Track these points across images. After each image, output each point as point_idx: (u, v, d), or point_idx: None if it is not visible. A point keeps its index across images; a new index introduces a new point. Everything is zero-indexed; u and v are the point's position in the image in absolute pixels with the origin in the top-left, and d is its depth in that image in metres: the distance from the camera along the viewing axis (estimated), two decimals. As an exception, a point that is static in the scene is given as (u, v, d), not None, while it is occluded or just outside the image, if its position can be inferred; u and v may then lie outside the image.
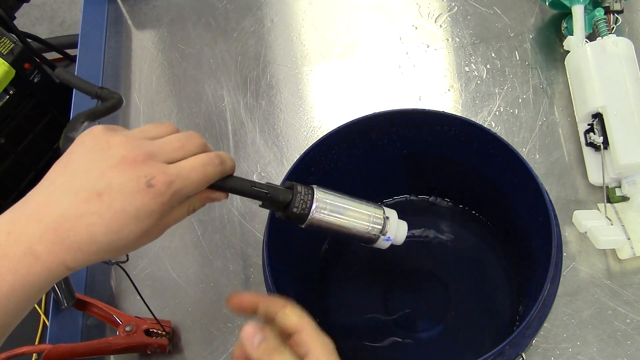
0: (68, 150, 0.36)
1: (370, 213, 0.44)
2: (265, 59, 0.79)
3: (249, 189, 0.39)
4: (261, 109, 0.76)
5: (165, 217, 0.36)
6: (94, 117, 0.42)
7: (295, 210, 0.41)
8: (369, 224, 0.44)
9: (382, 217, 0.44)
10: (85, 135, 0.36)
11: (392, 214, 0.45)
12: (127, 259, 0.54)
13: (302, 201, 0.41)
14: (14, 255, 0.32)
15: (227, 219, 0.68)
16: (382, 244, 0.45)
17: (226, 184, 0.38)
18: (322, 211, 0.41)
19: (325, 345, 0.37)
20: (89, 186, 0.33)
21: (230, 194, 0.40)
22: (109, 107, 0.43)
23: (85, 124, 0.41)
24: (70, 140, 0.37)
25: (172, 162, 0.36)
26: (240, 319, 0.62)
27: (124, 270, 0.56)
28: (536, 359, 0.54)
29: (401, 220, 0.46)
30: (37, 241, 0.32)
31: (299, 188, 0.41)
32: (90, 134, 0.36)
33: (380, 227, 0.44)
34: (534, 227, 0.48)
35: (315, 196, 0.41)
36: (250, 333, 0.36)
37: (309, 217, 0.41)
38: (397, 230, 0.45)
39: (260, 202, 0.41)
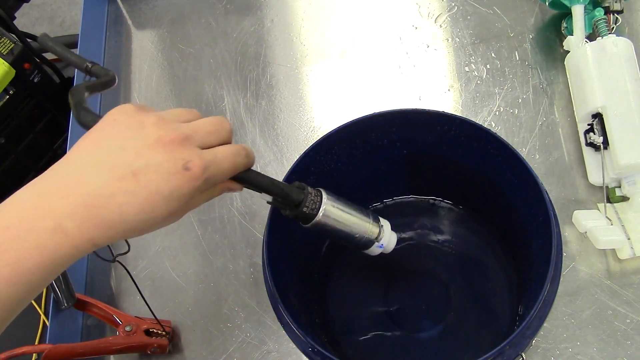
0: (99, 127, 0.35)
1: (369, 219, 0.46)
2: (265, 59, 0.79)
3: (267, 185, 0.40)
4: (261, 109, 0.76)
5: (190, 201, 0.35)
6: (92, 89, 0.41)
7: (305, 210, 0.42)
8: (367, 230, 0.46)
9: (378, 224, 0.47)
10: (116, 112, 0.35)
11: (386, 223, 0.48)
12: (129, 249, 0.54)
13: (312, 202, 0.42)
14: (42, 231, 0.31)
15: (227, 219, 0.68)
16: (374, 250, 0.47)
17: (247, 176, 0.39)
18: (329, 213, 0.43)
19: None
20: (124, 164, 0.33)
21: (245, 188, 0.40)
22: (104, 83, 0.43)
23: (87, 94, 0.40)
24: (84, 109, 0.37)
25: (205, 147, 0.36)
26: (240, 319, 0.62)
27: (125, 268, 0.56)
28: (536, 359, 0.54)
29: (392, 232, 0.48)
30: (67, 218, 0.31)
31: (310, 189, 0.43)
32: (122, 111, 0.35)
33: (377, 234, 0.46)
34: (534, 227, 0.48)
35: (323, 198, 0.43)
36: None
37: (317, 217, 0.42)
38: (389, 238, 0.47)
39: (271, 198, 0.42)
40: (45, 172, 0.34)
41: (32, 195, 0.32)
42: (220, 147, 0.37)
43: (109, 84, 0.43)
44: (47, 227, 0.31)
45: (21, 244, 0.31)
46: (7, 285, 0.30)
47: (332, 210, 0.43)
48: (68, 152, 0.35)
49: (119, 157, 0.33)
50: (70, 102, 0.39)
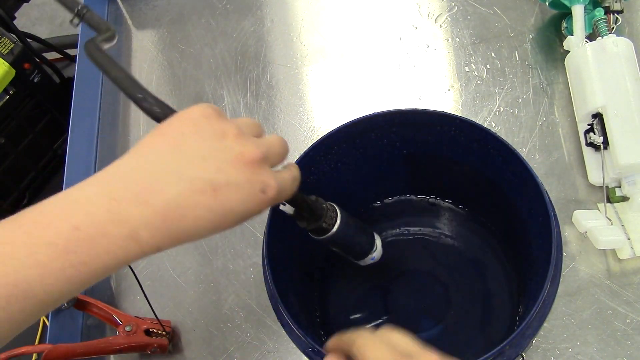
0: (177, 128, 0.34)
1: (370, 234, 0.49)
2: (265, 59, 0.79)
3: (299, 201, 0.42)
4: (261, 109, 0.76)
5: None
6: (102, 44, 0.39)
7: (323, 224, 0.44)
8: (367, 243, 0.49)
9: (374, 239, 0.50)
10: (198, 115, 0.34)
11: (377, 237, 0.50)
12: None
13: (330, 217, 0.44)
14: (116, 237, 0.30)
15: (227, 219, 0.68)
16: (367, 260, 0.50)
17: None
18: (342, 228, 0.45)
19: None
20: (205, 177, 0.32)
21: None
22: (108, 38, 0.42)
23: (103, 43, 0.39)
24: (152, 96, 0.36)
25: (273, 167, 0.36)
26: (240, 319, 0.62)
27: (130, 268, 0.56)
28: (536, 359, 0.54)
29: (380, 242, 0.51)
30: (142, 226, 0.31)
31: (327, 205, 0.45)
32: (204, 115, 0.34)
33: (374, 247, 0.49)
34: (534, 227, 0.48)
35: (338, 214, 0.45)
36: None
37: (331, 232, 0.44)
38: (380, 250, 0.50)
39: (293, 211, 0.43)
40: (111, 169, 0.32)
41: (103, 196, 0.31)
42: (286, 171, 0.38)
43: (110, 39, 0.41)
44: (121, 234, 0.30)
45: (92, 247, 0.30)
46: (67, 284, 0.30)
47: (344, 226, 0.45)
48: (137, 150, 0.33)
49: (200, 169, 0.32)
50: (122, 81, 0.36)
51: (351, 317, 0.57)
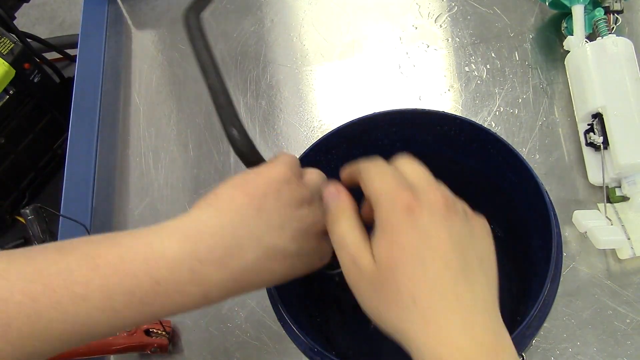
0: (261, 188, 0.34)
1: None
2: (265, 59, 0.79)
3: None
4: (261, 109, 0.76)
5: None
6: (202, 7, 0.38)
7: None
8: None
9: None
10: (281, 179, 0.34)
11: None
12: None
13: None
14: (192, 295, 0.32)
15: (227, 219, 0.68)
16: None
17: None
18: None
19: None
20: (279, 247, 0.33)
21: None
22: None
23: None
24: (254, 148, 0.36)
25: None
26: (240, 319, 0.62)
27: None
28: (536, 359, 0.54)
29: None
30: (216, 287, 0.32)
31: None
32: (285, 180, 0.35)
33: None
34: (534, 227, 0.48)
35: None
36: (329, 193, 0.36)
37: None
38: None
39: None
40: (194, 224, 0.33)
41: (187, 255, 0.32)
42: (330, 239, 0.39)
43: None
44: (197, 293, 0.32)
45: (166, 301, 0.31)
46: (128, 326, 0.32)
47: None
48: (220, 204, 0.33)
49: (277, 237, 0.33)
50: (230, 123, 0.37)
51: (351, 317, 0.57)
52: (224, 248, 0.32)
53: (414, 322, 0.30)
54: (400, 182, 0.33)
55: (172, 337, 0.61)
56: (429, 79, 0.73)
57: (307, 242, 0.35)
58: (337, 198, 0.35)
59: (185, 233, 0.32)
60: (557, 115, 0.67)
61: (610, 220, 0.58)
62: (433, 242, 0.31)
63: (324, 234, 0.36)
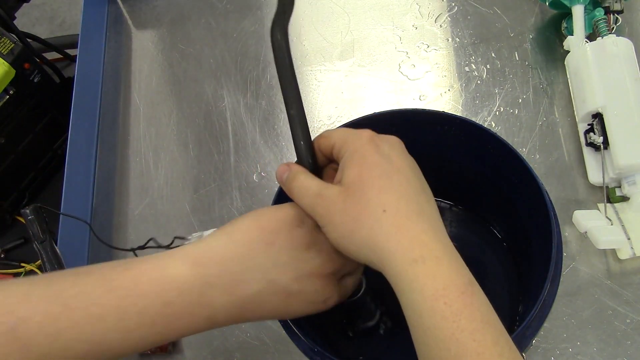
0: (274, 227, 0.36)
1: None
2: (265, 59, 0.79)
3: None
4: (261, 109, 0.76)
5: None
6: (286, 20, 0.41)
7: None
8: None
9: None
10: (294, 221, 0.37)
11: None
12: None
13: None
14: (198, 317, 0.34)
15: (227, 219, 0.68)
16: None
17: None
18: (363, 295, 0.46)
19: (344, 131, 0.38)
20: (283, 283, 0.35)
21: None
22: (287, 4, 0.41)
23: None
24: (284, 34, 0.37)
25: (341, 275, 0.39)
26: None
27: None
28: (536, 359, 0.54)
29: None
30: (221, 312, 0.34)
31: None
32: (299, 223, 0.37)
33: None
34: (534, 227, 0.48)
35: (363, 283, 0.46)
36: (280, 171, 0.39)
37: (354, 298, 0.46)
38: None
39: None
40: (206, 249, 0.35)
41: (198, 279, 0.34)
42: (350, 278, 0.41)
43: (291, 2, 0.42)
44: (203, 315, 0.34)
45: (175, 322, 0.33)
46: (138, 347, 0.33)
47: (364, 292, 0.46)
48: (233, 234, 0.36)
49: (281, 274, 0.35)
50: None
51: (351, 317, 0.57)
52: (231, 275, 0.34)
53: (385, 231, 0.33)
54: (357, 129, 0.38)
55: (172, 337, 0.61)
56: (429, 79, 0.73)
57: (310, 284, 0.36)
58: (288, 167, 0.38)
59: (196, 258, 0.34)
60: (557, 115, 0.67)
61: (610, 220, 0.58)
62: (395, 163, 0.35)
63: (329, 278, 0.37)
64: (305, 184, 0.36)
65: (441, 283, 0.31)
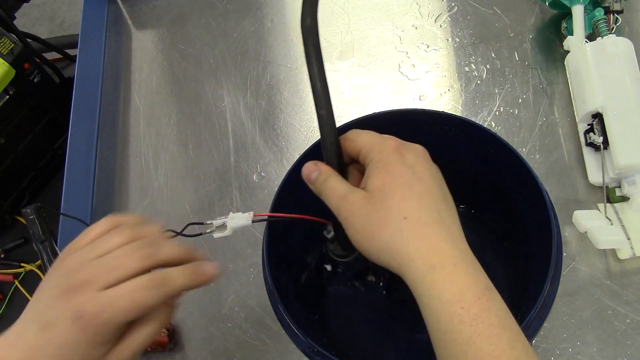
0: (55, 264, 0.37)
1: None
2: (265, 59, 0.79)
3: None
4: (261, 109, 0.76)
5: (101, 350, 0.34)
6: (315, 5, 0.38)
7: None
8: None
9: None
10: (65, 254, 0.37)
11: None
12: None
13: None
14: None
15: (227, 219, 0.68)
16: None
17: None
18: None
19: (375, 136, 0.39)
20: (41, 316, 0.34)
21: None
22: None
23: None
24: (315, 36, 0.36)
25: (109, 286, 0.34)
26: (240, 319, 0.62)
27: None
28: (536, 359, 0.54)
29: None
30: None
31: None
32: (65, 252, 0.37)
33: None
34: (534, 227, 0.48)
35: None
36: (308, 170, 0.40)
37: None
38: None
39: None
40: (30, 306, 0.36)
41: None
42: (124, 284, 0.34)
43: None
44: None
45: None
46: None
47: None
48: (39, 287, 0.36)
49: (40, 307, 0.35)
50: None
51: (350, 316, 0.57)
52: (18, 327, 0.34)
53: (405, 237, 0.34)
54: (384, 135, 0.39)
55: (173, 335, 0.61)
56: (429, 79, 0.73)
57: (59, 304, 0.34)
58: (317, 166, 0.39)
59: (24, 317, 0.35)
60: (557, 115, 0.67)
61: (610, 220, 0.58)
62: (418, 173, 0.37)
63: (76, 291, 0.34)
64: (335, 185, 0.38)
65: (458, 288, 0.32)
